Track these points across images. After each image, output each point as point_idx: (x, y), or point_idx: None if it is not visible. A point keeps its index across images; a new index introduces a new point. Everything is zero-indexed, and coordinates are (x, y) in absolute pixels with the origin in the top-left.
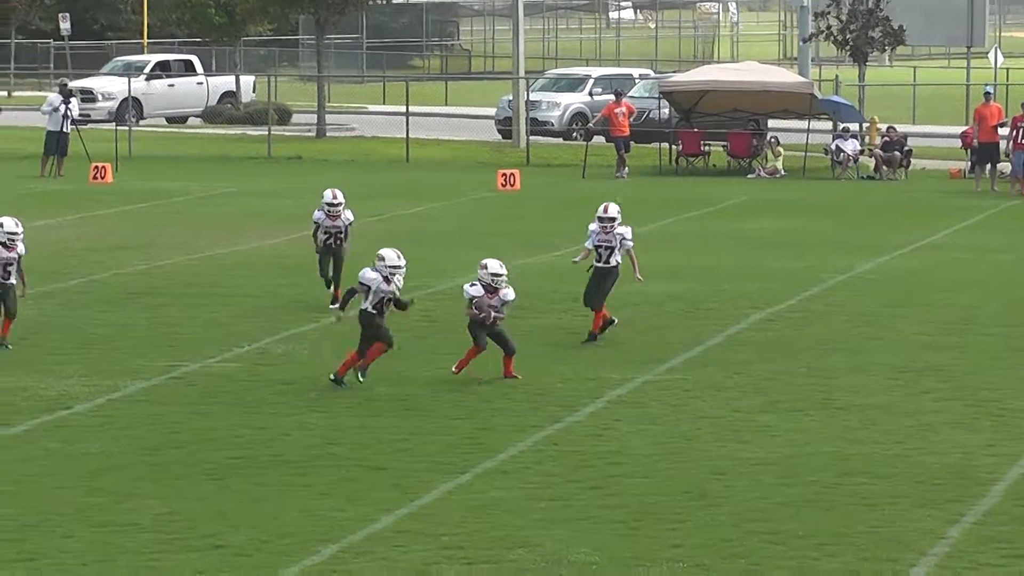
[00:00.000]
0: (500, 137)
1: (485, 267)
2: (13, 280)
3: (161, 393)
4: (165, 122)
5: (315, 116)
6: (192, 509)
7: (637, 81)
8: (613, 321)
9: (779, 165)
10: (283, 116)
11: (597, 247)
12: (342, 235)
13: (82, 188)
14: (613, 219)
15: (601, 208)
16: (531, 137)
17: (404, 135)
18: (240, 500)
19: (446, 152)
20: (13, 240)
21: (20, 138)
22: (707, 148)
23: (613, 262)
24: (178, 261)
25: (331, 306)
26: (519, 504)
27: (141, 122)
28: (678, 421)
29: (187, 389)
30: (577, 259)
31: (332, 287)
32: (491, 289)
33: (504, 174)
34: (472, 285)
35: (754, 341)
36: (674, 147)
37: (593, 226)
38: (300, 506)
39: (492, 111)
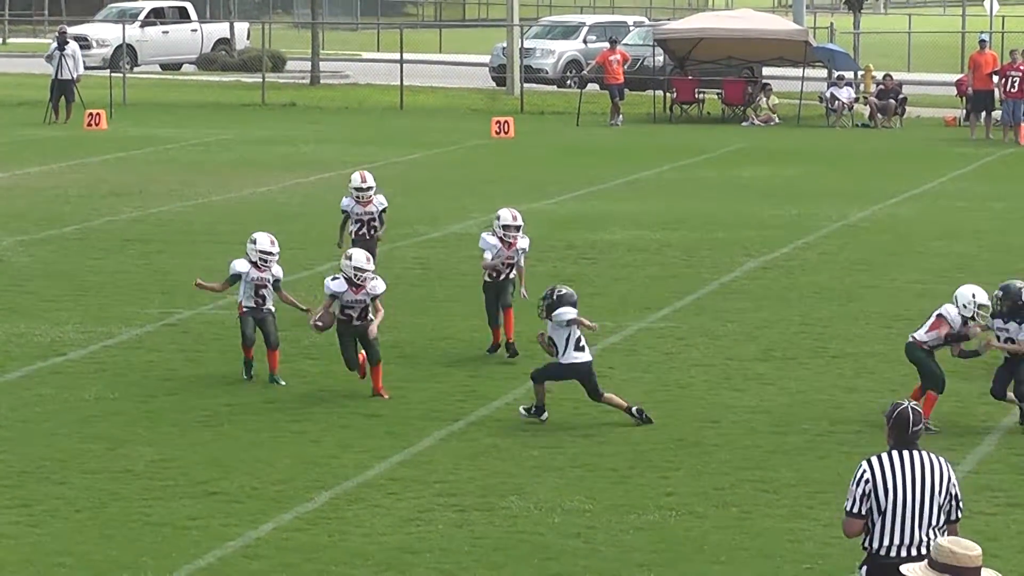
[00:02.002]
0: (494, 84)
1: (349, 258)
2: (271, 305)
3: (155, 340)
4: (159, 69)
5: (309, 63)
6: (186, 456)
7: (631, 29)
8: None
9: (771, 110)
10: (277, 63)
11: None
12: (376, 223)
13: (76, 135)
14: (519, 227)
15: (508, 215)
16: (525, 85)
17: (398, 82)
18: (234, 447)
19: (440, 99)
20: (267, 260)
21: (16, 85)
22: (701, 96)
23: (510, 275)
24: (172, 208)
25: None
26: (512, 452)
27: (135, 69)
28: (671, 369)
29: (181, 336)
30: (525, 291)
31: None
32: (355, 284)
33: (498, 122)
34: (334, 279)
35: (748, 289)
36: (668, 95)
37: (492, 239)
38: (293, 453)
39: (486, 58)
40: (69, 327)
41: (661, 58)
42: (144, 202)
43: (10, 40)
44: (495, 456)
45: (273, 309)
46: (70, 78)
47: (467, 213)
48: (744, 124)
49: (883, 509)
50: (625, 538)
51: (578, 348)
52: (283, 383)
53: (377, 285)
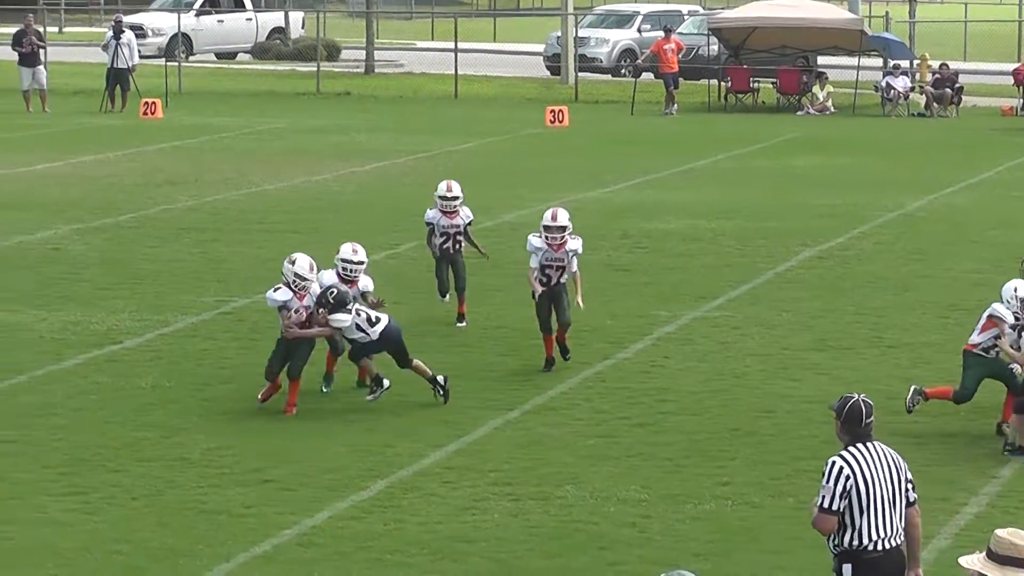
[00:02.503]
0: (548, 73)
1: (293, 262)
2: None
3: (210, 328)
4: (214, 58)
5: (364, 52)
6: (241, 444)
7: (686, 17)
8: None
9: (826, 100)
10: (332, 52)
11: (545, 267)
12: (461, 236)
13: (132, 123)
14: (564, 228)
15: (548, 214)
16: (580, 73)
17: (453, 71)
18: (288, 435)
19: (495, 88)
20: (352, 272)
21: (71, 73)
22: (756, 85)
23: (563, 281)
24: (227, 197)
25: (458, 324)
26: (567, 441)
27: (191, 58)
28: (727, 358)
29: (236, 324)
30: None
31: (455, 298)
32: (296, 291)
33: (552, 111)
34: (275, 289)
35: (803, 279)
36: (723, 84)
37: (537, 241)
38: (348, 441)
39: (541, 47)
40: (125, 315)
41: (716, 47)
42: (199, 191)
43: (66, 29)
44: (550, 445)
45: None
46: (126, 67)
47: (521, 202)
48: (799, 113)
49: (865, 505)
50: (681, 528)
51: (372, 324)
52: (326, 390)
53: (320, 284)
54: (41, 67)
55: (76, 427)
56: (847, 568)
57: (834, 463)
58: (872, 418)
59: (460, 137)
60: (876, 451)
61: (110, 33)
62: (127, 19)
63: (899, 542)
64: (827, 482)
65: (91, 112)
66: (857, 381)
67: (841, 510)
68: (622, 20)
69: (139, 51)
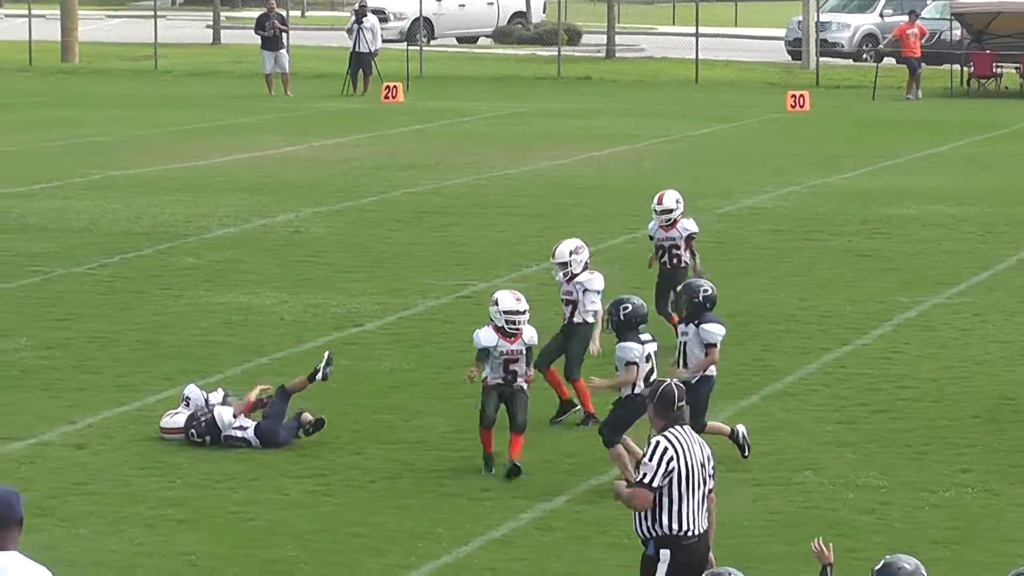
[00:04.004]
0: (789, 58)
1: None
2: (522, 382)
3: (450, 312)
4: (455, 42)
5: (604, 36)
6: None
7: (929, 2)
8: (575, 405)
9: None
10: (573, 36)
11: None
12: (679, 251)
13: (374, 107)
14: (564, 264)
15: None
16: (821, 58)
17: (693, 56)
18: (528, 420)
19: (735, 73)
20: (516, 323)
21: (313, 57)
22: (999, 70)
23: (577, 319)
24: (467, 180)
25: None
26: (806, 426)
27: (432, 42)
28: (967, 345)
29: (475, 308)
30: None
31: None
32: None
33: (793, 95)
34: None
35: None
36: (966, 69)
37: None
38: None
39: (782, 32)
40: (365, 298)
41: (958, 32)
42: (440, 174)
43: (308, 13)
44: (789, 431)
45: (525, 387)
46: (368, 51)
47: (761, 187)
48: None
49: (684, 490)
50: (920, 515)
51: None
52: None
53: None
54: (283, 51)
55: (316, 410)
56: (665, 554)
57: (659, 443)
58: (684, 402)
59: (700, 122)
60: (690, 436)
61: (353, 17)
62: (371, 3)
63: (705, 527)
64: (650, 460)
65: (333, 96)
66: None
67: (660, 488)
68: (864, 5)
69: (381, 35)
